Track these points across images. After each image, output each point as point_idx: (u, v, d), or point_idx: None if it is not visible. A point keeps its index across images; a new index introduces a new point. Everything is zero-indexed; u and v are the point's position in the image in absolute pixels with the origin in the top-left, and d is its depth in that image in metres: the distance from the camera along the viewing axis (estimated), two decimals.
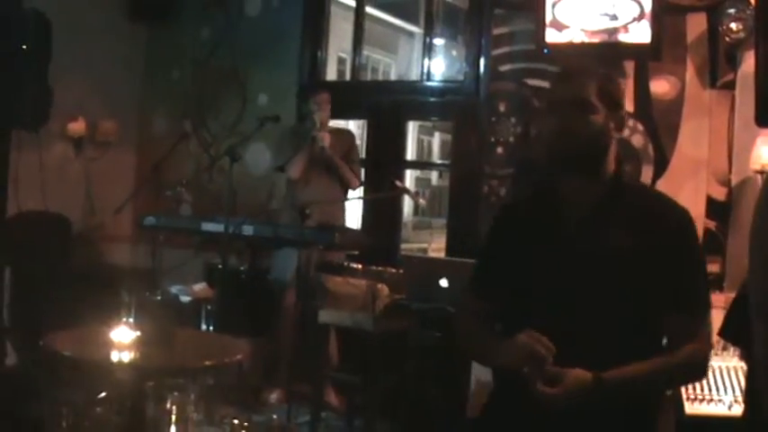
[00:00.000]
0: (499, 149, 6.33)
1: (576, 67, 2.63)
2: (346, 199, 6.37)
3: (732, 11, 5.44)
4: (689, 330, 2.44)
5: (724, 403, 4.03)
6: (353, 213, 7.62)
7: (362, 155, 7.13)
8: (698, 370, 2.55)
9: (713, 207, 5.49)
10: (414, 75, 13.94)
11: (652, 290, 2.41)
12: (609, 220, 2.47)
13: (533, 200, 2.68)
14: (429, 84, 7.03)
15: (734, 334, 2.92)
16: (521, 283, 2.54)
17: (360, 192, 7.01)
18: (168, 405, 2.30)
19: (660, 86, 5.78)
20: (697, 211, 5.30)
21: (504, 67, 6.37)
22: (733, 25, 5.44)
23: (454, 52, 11.18)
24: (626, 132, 5.87)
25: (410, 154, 10.88)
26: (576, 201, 2.52)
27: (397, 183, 5.75)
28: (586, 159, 2.50)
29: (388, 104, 6.98)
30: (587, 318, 2.40)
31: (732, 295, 3.12)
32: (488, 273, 2.71)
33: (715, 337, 2.84)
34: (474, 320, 2.70)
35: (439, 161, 17.66)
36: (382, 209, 6.70)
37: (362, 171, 6.76)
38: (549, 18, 5.91)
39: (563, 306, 2.43)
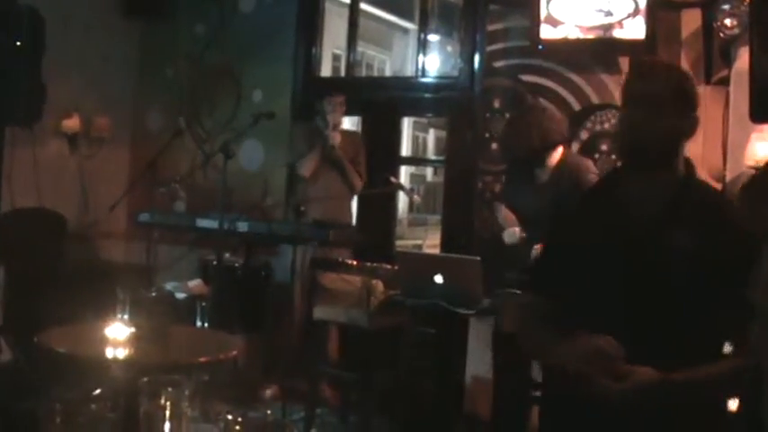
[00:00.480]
0: (494, 145, 6.33)
1: (654, 63, 2.57)
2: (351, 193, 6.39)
3: (726, 7, 5.44)
4: None
5: None
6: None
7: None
8: None
9: None
10: (408, 71, 13.94)
11: (719, 293, 2.34)
12: (674, 220, 2.41)
13: (597, 195, 2.64)
14: (424, 80, 7.04)
15: None
16: (584, 282, 2.49)
17: None
18: (162, 401, 2.29)
19: None
20: None
21: (499, 64, 6.38)
22: (727, 21, 5.44)
23: (449, 48, 11.16)
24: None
25: (405, 150, 10.86)
26: (641, 200, 2.47)
27: (392, 179, 5.75)
28: (652, 158, 2.45)
29: (383, 101, 6.98)
30: (652, 318, 2.37)
31: None
32: (551, 269, 2.66)
33: None
34: (537, 318, 2.66)
35: (434, 157, 17.64)
36: (377, 205, 6.70)
37: None
38: (543, 14, 5.92)
39: (628, 305, 2.39)
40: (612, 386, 2.27)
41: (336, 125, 6.20)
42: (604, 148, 5.94)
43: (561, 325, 2.50)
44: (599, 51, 5.91)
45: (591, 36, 5.83)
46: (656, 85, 2.42)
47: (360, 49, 7.65)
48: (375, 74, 16.10)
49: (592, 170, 4.96)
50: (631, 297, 2.39)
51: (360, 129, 7.50)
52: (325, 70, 8.48)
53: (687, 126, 2.47)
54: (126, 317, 3.67)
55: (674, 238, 2.39)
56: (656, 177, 2.46)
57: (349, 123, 9.09)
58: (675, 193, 2.45)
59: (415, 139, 18.34)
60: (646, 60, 2.64)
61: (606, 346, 2.30)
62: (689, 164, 2.51)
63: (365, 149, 6.51)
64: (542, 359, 2.70)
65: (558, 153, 4.90)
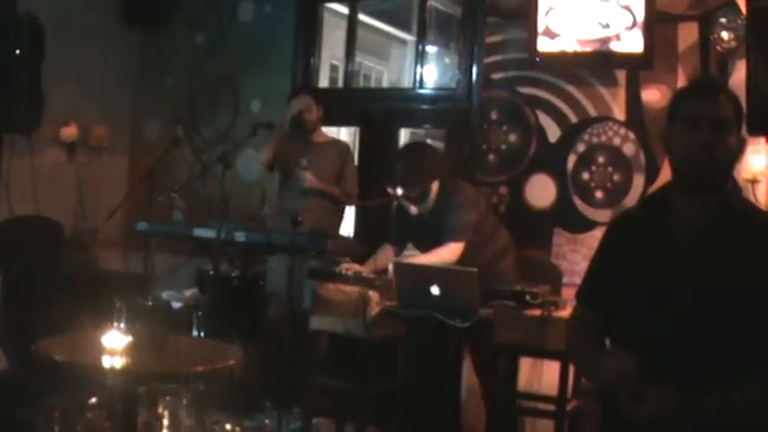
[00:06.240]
0: (491, 157, 6.35)
1: (712, 82, 2.55)
2: (337, 206, 6.37)
3: (723, 20, 5.47)
4: None
5: None
6: (345, 221, 7.62)
7: (354, 162, 7.13)
8: None
9: None
10: (406, 82, 13.92)
11: (759, 317, 2.32)
12: (719, 243, 2.40)
13: (644, 212, 2.63)
14: (421, 91, 7.05)
15: None
16: (625, 298, 2.51)
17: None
18: (160, 410, 2.30)
19: (652, 95, 5.80)
20: None
21: (497, 76, 6.39)
22: (724, 34, 5.47)
23: (447, 60, 11.17)
24: (617, 141, 5.91)
25: None
26: (687, 219, 2.46)
27: (390, 190, 5.75)
28: (716, 181, 2.44)
29: (381, 112, 6.99)
30: (689, 338, 2.36)
31: None
32: (596, 283, 2.68)
33: None
34: (582, 331, 2.68)
35: None
36: (374, 216, 6.70)
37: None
38: (541, 27, 5.94)
39: (667, 324, 2.38)
40: (630, 408, 2.29)
41: (314, 125, 6.23)
42: (601, 160, 5.96)
43: (605, 339, 2.54)
44: (596, 64, 5.93)
45: (588, 49, 5.85)
46: (724, 107, 2.43)
47: (357, 59, 7.67)
48: (372, 85, 16.10)
49: (462, 190, 5.26)
50: (674, 316, 2.38)
51: (357, 139, 7.50)
52: (323, 81, 8.49)
53: (742, 146, 2.49)
54: (123, 325, 3.67)
55: (712, 260, 2.38)
56: (708, 198, 2.45)
57: (346, 134, 9.08)
58: (717, 212, 2.43)
59: None
60: (705, 80, 2.63)
61: (623, 365, 2.32)
62: (735, 184, 2.51)
63: (354, 161, 6.51)
64: (583, 375, 2.71)
65: (435, 185, 5.19)
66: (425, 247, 5.25)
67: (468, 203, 5.16)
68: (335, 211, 6.31)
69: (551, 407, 4.89)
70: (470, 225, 5.09)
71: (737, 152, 2.48)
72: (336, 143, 6.59)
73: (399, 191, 5.18)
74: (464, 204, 5.14)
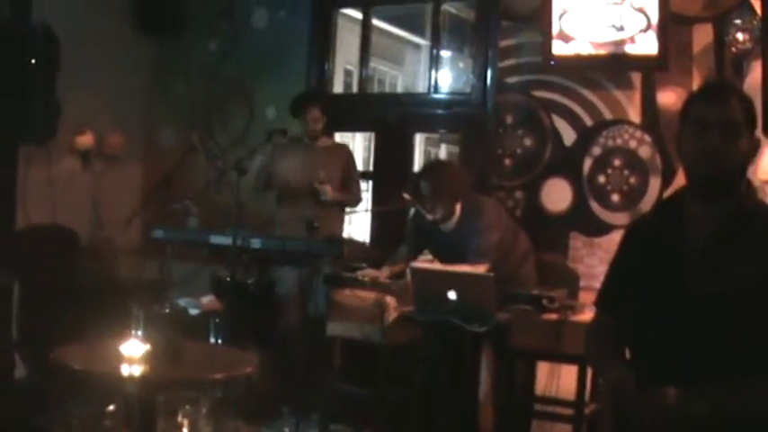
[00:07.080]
0: (506, 161, 6.33)
1: (723, 85, 2.54)
2: (354, 211, 6.38)
3: (738, 21, 5.45)
4: None
5: None
6: (362, 226, 7.63)
7: (369, 167, 7.13)
8: None
9: None
10: (420, 87, 13.93)
11: None
12: (733, 246, 2.39)
13: (658, 217, 2.62)
14: (436, 96, 7.04)
15: None
16: (641, 303, 2.50)
17: (367, 204, 7.00)
18: (180, 418, 2.31)
19: (667, 97, 5.78)
20: None
21: (512, 79, 6.38)
22: (739, 35, 5.45)
23: (461, 64, 11.18)
24: (633, 144, 5.89)
25: (417, 166, 10.87)
26: (701, 223, 2.44)
27: (405, 195, 5.75)
28: (727, 185, 2.43)
29: (396, 117, 6.98)
30: (703, 343, 2.35)
31: None
32: (614, 288, 2.68)
33: None
34: (600, 337, 2.69)
35: None
36: (390, 221, 6.70)
37: (370, 183, 6.74)
38: (555, 30, 5.93)
39: (681, 329, 2.38)
40: (635, 409, 2.29)
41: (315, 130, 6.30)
42: (617, 163, 5.94)
43: (624, 345, 2.54)
44: (611, 67, 5.91)
45: (603, 52, 5.83)
46: (734, 110, 2.41)
47: (372, 64, 7.66)
48: (387, 90, 16.11)
49: (485, 212, 5.23)
50: (688, 321, 2.37)
51: (372, 144, 7.51)
52: (338, 86, 8.50)
53: (755, 148, 2.48)
54: (140, 333, 3.68)
55: (726, 265, 2.37)
56: (721, 201, 2.44)
57: (360, 138, 9.08)
58: (731, 216, 2.42)
59: (427, 155, 18.29)
60: (717, 83, 2.63)
61: (621, 382, 2.36)
62: (749, 185, 2.50)
63: (355, 163, 6.61)
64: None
65: (458, 207, 5.20)
66: (444, 259, 5.24)
67: (490, 225, 5.15)
68: (342, 216, 6.37)
69: (569, 411, 4.89)
70: (493, 246, 5.09)
71: (750, 154, 2.46)
72: (340, 147, 6.64)
73: (429, 216, 5.18)
74: (487, 227, 5.14)
